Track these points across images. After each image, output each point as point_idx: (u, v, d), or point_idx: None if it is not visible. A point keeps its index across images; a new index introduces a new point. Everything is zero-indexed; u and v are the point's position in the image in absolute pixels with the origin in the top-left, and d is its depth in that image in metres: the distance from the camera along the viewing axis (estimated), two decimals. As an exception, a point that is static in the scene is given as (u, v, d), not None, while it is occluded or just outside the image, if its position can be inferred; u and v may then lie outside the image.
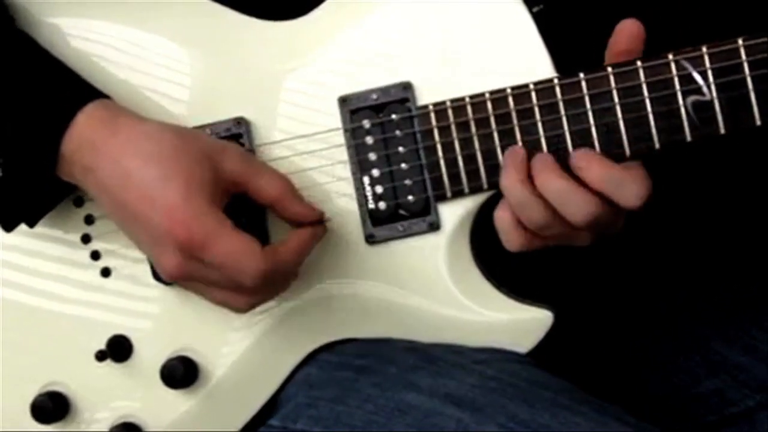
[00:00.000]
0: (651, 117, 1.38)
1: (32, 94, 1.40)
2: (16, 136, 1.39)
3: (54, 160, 1.39)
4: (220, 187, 1.38)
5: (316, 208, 1.43)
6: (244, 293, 1.39)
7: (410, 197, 1.45)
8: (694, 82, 1.37)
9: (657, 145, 1.38)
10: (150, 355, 1.49)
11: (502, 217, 1.40)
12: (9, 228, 1.45)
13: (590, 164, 1.37)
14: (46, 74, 1.42)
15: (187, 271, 1.36)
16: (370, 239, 1.46)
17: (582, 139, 1.39)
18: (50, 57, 1.44)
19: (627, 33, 1.38)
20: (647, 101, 1.38)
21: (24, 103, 1.40)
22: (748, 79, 1.35)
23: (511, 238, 1.40)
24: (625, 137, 1.39)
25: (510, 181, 1.38)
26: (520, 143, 1.41)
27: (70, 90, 1.41)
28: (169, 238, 1.34)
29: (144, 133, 1.38)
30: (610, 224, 1.39)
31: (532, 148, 1.40)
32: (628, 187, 1.35)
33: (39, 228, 1.47)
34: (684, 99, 1.37)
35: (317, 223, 1.43)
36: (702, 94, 1.37)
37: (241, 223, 1.37)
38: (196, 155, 1.37)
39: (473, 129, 1.43)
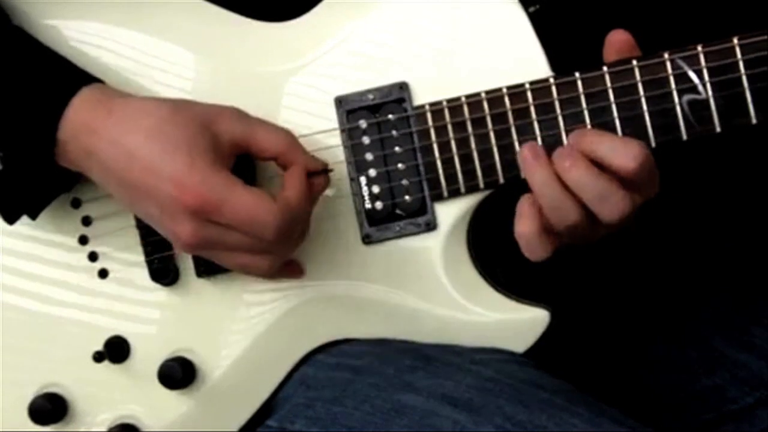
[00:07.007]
0: (647, 116, 1.38)
1: (26, 83, 1.40)
2: (13, 126, 1.39)
3: (52, 147, 1.38)
4: (223, 151, 1.38)
5: (319, 159, 1.43)
6: (264, 252, 1.38)
7: (407, 197, 1.45)
8: (690, 80, 1.37)
9: (653, 144, 1.38)
10: (148, 356, 1.49)
11: (523, 230, 1.36)
12: (11, 221, 1.45)
13: (583, 137, 1.35)
14: (38, 62, 1.42)
15: (203, 238, 1.36)
16: (367, 239, 1.46)
17: (578, 139, 1.39)
18: (42, 46, 1.43)
19: (616, 44, 1.38)
20: (643, 100, 1.38)
21: (18, 92, 1.39)
22: (744, 78, 1.36)
23: (535, 249, 1.37)
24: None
25: (542, 180, 1.34)
26: (516, 143, 1.41)
27: (63, 76, 1.41)
28: (179, 207, 1.34)
29: (139, 109, 1.38)
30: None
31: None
32: (621, 150, 1.33)
33: (37, 229, 1.48)
34: (680, 98, 1.37)
35: (322, 173, 1.42)
36: (697, 92, 1.37)
37: None
38: (194, 124, 1.37)
39: (469, 129, 1.42)
